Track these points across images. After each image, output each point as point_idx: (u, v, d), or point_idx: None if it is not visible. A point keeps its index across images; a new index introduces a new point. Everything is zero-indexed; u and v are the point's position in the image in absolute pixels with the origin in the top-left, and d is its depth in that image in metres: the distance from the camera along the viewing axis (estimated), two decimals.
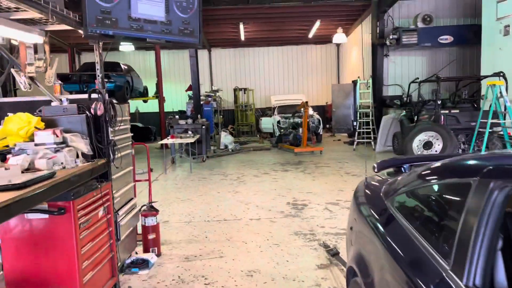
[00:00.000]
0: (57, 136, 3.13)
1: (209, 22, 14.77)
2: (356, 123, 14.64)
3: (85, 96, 3.50)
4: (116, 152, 3.66)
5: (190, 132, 11.14)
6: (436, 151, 8.62)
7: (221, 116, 19.22)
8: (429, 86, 12.56)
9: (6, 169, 2.57)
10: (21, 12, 3.02)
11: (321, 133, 15.01)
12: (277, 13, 15.30)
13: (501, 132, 8.81)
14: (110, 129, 3.57)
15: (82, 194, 3.03)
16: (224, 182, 8.53)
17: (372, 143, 12.79)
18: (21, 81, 3.42)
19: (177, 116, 12.70)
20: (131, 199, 4.34)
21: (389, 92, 14.73)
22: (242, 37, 17.89)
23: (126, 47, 16.09)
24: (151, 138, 17.96)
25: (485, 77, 9.36)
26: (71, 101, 3.50)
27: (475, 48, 12.74)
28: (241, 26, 16.22)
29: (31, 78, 3.48)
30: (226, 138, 14.39)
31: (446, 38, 12.72)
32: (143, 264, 4.20)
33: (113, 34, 3.36)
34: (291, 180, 8.56)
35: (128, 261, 4.22)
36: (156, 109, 16.40)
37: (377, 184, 2.74)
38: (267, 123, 16.88)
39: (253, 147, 14.45)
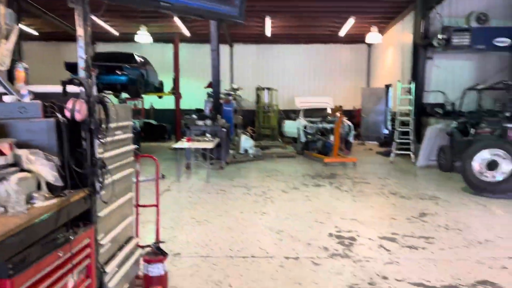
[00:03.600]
0: (3, 154, 1.84)
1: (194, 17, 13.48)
2: (392, 131, 13.19)
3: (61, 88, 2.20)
4: (107, 177, 2.36)
5: (208, 135, 9.84)
6: (503, 172, 7.15)
7: (241, 117, 17.91)
8: (474, 95, 11.02)
9: None
10: None
11: (351, 141, 13.56)
12: (308, 7, 13.94)
13: None
14: (98, 142, 2.27)
15: (34, 261, 1.73)
16: (247, 198, 7.20)
17: (411, 155, 11.31)
18: None
19: (194, 116, 11.42)
20: (130, 239, 3.03)
21: (430, 99, 13.24)
22: (268, 33, 16.53)
23: (143, 38, 14.89)
24: (165, 137, 16.79)
25: None
26: (38, 96, 2.21)
27: None
28: (268, 20, 14.89)
29: None
30: (246, 142, 13.05)
31: (503, 41, 11.15)
32: None
33: None
34: (327, 199, 7.18)
35: None
36: (172, 106, 15.18)
37: None
38: (291, 127, 15.46)
39: (276, 153, 13.09)
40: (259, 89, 17.97)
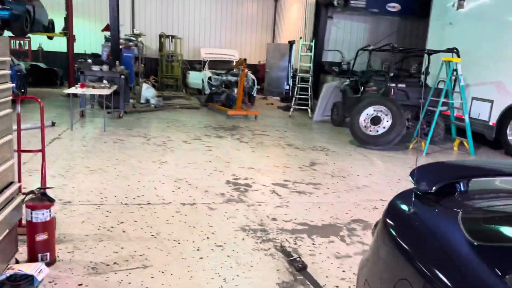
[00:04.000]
0: None
1: None
2: (293, 87, 13.75)
3: None
4: None
5: (105, 82, 9.26)
6: (384, 127, 7.97)
7: (143, 65, 17.09)
8: (367, 55, 11.90)
9: None
10: None
11: (254, 95, 13.85)
12: None
13: (448, 112, 8.44)
14: None
15: None
16: (146, 148, 7.05)
17: (309, 110, 11.99)
18: None
19: (89, 60, 10.60)
20: (10, 184, 2.82)
21: (328, 57, 13.99)
22: None
23: None
24: (56, 83, 15.42)
25: (436, 51, 8.83)
26: None
27: (421, 21, 12.32)
28: None
29: None
30: (148, 91, 12.59)
31: (394, 6, 12.07)
32: (26, 282, 2.79)
33: None
34: (228, 150, 7.36)
35: (2, 277, 2.77)
36: (64, 49, 13.84)
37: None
38: (195, 78, 15.23)
39: (180, 104, 12.85)
40: (162, 36, 17.17)
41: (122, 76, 9.78)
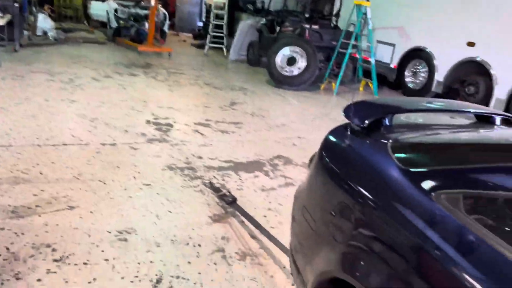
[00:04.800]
0: None
1: None
2: (206, 24, 13.33)
3: None
4: None
5: None
6: (299, 68, 8.24)
7: None
8: None
9: None
10: None
11: (166, 30, 13.16)
12: None
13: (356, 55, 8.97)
14: None
15: None
16: (52, 85, 6.46)
17: (224, 49, 11.82)
18: None
19: None
20: None
21: None
22: None
23: None
24: None
25: None
26: None
27: None
28: None
29: None
30: (45, 22, 11.22)
31: None
32: None
33: None
34: (143, 88, 7.06)
35: None
36: None
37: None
38: (98, 10, 13.84)
39: (83, 38, 11.77)
40: None
41: (16, 4, 8.56)
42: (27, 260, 2.50)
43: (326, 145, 1.96)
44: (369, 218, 1.49)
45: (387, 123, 1.93)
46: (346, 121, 1.90)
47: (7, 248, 2.57)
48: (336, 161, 1.83)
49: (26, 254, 2.54)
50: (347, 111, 1.92)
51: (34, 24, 11.31)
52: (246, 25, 11.02)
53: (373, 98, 8.21)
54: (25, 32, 10.46)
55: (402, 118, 2.15)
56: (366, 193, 1.52)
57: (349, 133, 1.84)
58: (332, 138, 1.98)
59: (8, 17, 7.93)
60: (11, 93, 5.79)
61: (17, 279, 2.35)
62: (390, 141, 1.73)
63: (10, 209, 2.98)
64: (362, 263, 1.46)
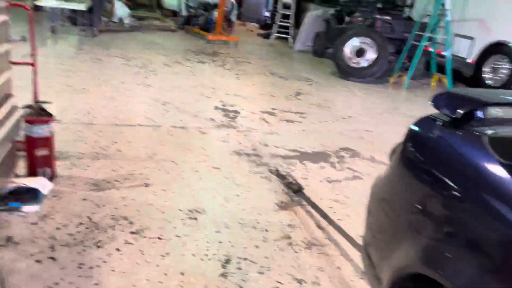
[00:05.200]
0: None
1: None
2: (273, 14, 13.31)
3: None
4: None
5: None
6: (367, 60, 8.00)
7: None
8: None
9: None
10: None
11: (234, 20, 13.32)
12: None
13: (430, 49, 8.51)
14: None
15: None
16: (127, 69, 6.80)
17: (291, 39, 11.75)
18: None
19: None
20: (8, 97, 2.70)
21: None
22: None
23: None
24: None
25: None
26: None
27: None
28: None
29: None
30: (122, 10, 11.83)
31: None
32: (30, 196, 2.79)
33: None
34: (211, 76, 7.22)
35: (5, 190, 2.76)
36: None
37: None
38: None
39: (155, 25, 12.26)
40: None
41: None
42: (107, 230, 2.66)
43: (411, 136, 1.88)
44: (461, 212, 1.41)
45: (480, 115, 1.81)
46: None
47: (89, 218, 2.76)
48: (424, 153, 1.75)
49: (106, 225, 2.71)
50: (437, 100, 1.82)
51: (112, 11, 11.94)
52: (314, 15, 10.86)
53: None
54: (103, 18, 11.08)
55: (493, 111, 2.01)
56: (459, 187, 1.44)
57: (440, 124, 1.75)
58: (417, 129, 1.89)
59: (88, 2, 8.42)
60: (91, 75, 6.17)
61: (98, 247, 2.51)
62: (488, 133, 1.62)
63: (91, 182, 3.19)
64: (449, 258, 1.39)
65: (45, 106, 3.10)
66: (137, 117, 4.72)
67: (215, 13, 11.44)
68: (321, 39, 10.35)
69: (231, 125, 4.89)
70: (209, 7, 12.25)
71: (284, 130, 4.98)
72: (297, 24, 11.77)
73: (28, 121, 2.88)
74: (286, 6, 11.95)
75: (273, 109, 5.73)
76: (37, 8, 8.37)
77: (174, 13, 13.94)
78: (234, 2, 13.18)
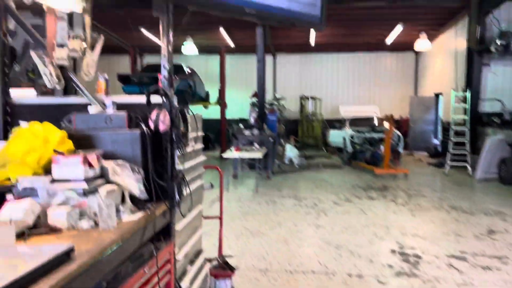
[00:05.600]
0: (92, 166, 1.80)
1: (276, 25, 13.42)
2: (445, 142, 12.61)
3: (141, 99, 2.16)
4: (184, 190, 2.28)
5: (256, 145, 9.77)
6: None
7: (283, 127, 17.78)
8: None
9: None
10: None
11: (401, 151, 13.07)
12: (355, 14, 13.70)
13: None
14: (177, 154, 2.20)
15: (125, 277, 1.66)
16: (299, 210, 7.02)
17: (469, 167, 10.71)
18: (46, 72, 2.15)
19: (241, 125, 11.40)
20: (199, 252, 2.95)
21: (486, 108, 12.57)
22: (312, 42, 16.39)
23: (190, 49, 15.15)
24: (209, 147, 16.92)
25: None
26: (119, 107, 2.17)
27: None
28: (312, 30, 14.72)
29: (62, 68, 2.19)
30: (291, 151, 12.91)
31: None
32: None
33: None
34: (383, 213, 6.87)
35: None
36: (215, 116, 15.24)
37: None
38: (336, 137, 15.12)
39: (322, 163, 12.84)
40: (303, 98, 17.81)
41: (271, 139, 10.22)
42: None
43: None
44: None
45: None
46: None
47: None
48: None
49: None
50: None
51: (283, 154, 13.11)
52: (495, 140, 9.87)
53: None
54: (275, 161, 12.17)
55: None
56: None
57: None
58: None
59: (265, 150, 9.41)
60: (266, 217, 6.53)
61: None
62: None
63: None
64: None
65: (227, 258, 3.26)
66: (310, 262, 4.62)
67: (381, 147, 11.44)
68: (508, 165, 9.16)
69: (413, 273, 4.34)
70: (374, 142, 12.39)
71: (480, 280, 4.17)
72: (474, 150, 10.81)
73: (213, 275, 3.04)
74: (459, 133, 11.24)
75: (461, 252, 4.96)
76: (222, 158, 9.74)
77: (339, 150, 14.49)
78: (400, 134, 13.09)
